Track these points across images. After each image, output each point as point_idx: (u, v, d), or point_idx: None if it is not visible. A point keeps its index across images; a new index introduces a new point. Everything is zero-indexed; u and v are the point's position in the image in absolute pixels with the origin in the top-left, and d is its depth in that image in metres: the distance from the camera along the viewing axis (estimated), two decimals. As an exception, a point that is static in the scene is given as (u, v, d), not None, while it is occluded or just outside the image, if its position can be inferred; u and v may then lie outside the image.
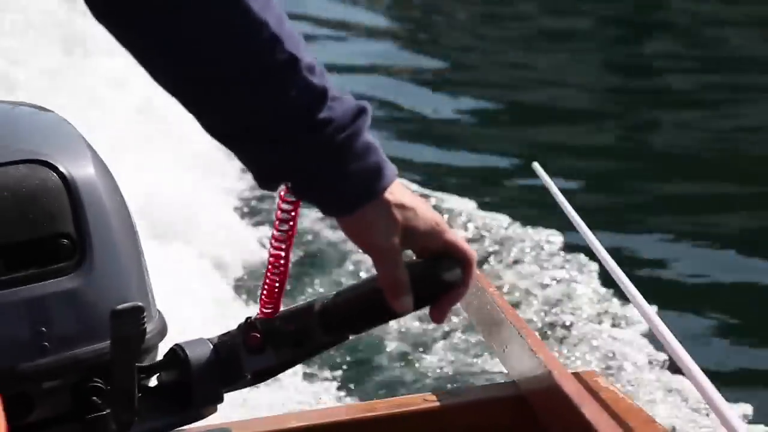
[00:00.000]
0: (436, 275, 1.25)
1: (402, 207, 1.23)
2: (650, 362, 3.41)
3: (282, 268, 1.29)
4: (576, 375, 1.50)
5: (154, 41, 1.16)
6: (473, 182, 5.08)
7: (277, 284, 1.30)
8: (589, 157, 5.48)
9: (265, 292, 1.31)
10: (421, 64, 6.92)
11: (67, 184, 1.31)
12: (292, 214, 1.27)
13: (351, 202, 1.21)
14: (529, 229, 4.38)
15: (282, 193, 1.25)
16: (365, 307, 1.30)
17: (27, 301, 1.27)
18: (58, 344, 1.28)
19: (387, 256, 1.23)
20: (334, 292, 1.34)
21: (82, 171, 1.33)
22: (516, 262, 4.10)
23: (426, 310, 1.31)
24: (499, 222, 4.39)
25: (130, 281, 1.33)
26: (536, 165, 2.05)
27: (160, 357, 1.38)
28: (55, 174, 1.31)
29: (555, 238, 4.23)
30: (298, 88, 1.18)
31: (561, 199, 1.87)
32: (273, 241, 1.28)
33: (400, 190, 1.24)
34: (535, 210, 4.51)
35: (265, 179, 1.22)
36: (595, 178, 5.21)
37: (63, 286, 1.29)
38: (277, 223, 1.27)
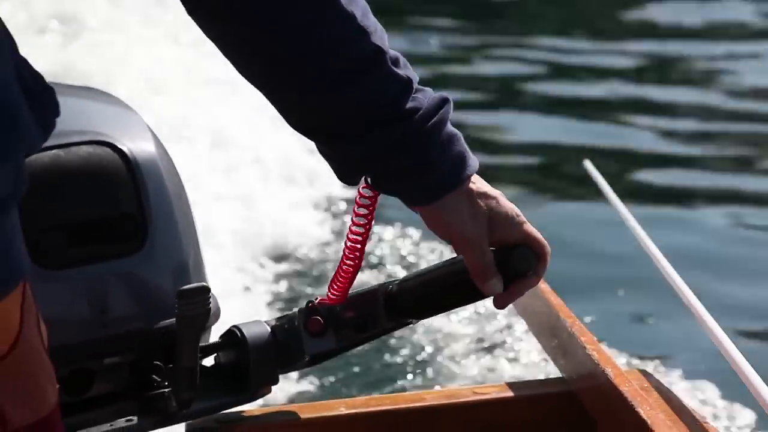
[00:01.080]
0: (512, 262, 1.27)
1: (485, 196, 1.25)
2: (703, 363, 3.39)
3: (356, 259, 1.30)
4: (629, 373, 1.49)
5: (242, 36, 1.17)
6: (522, 179, 5.06)
7: (350, 272, 1.31)
8: (642, 157, 5.43)
9: (337, 279, 1.33)
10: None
11: (130, 165, 1.33)
12: (371, 207, 1.28)
13: (436, 191, 1.23)
14: (580, 227, 4.37)
15: (361, 186, 1.26)
16: (436, 292, 1.32)
17: (90, 279, 1.29)
18: (119, 322, 1.31)
19: (475, 242, 1.25)
20: (398, 279, 1.35)
21: (143, 153, 1.35)
22: (566, 260, 4.09)
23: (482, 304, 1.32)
24: (549, 220, 4.38)
25: (189, 262, 1.35)
26: (588, 163, 2.04)
27: (212, 339, 1.40)
28: (118, 155, 1.33)
29: (606, 236, 4.22)
30: (385, 80, 1.19)
31: (613, 198, 1.87)
32: (350, 232, 1.30)
33: (481, 180, 1.26)
34: (586, 209, 4.50)
35: (348, 173, 1.23)
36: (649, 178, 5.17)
37: (125, 265, 1.31)
38: (354, 214, 1.29)
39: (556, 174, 5.28)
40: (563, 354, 1.57)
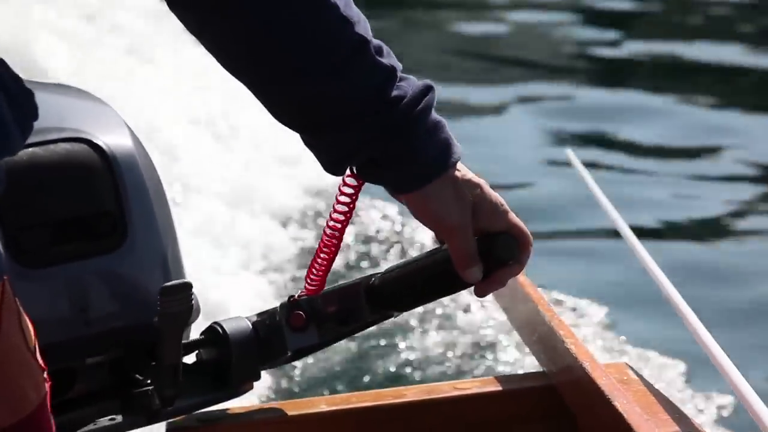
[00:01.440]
0: (495, 251, 1.27)
1: (469, 184, 1.25)
2: (681, 356, 3.41)
3: (333, 248, 1.30)
4: (609, 366, 1.50)
5: (224, 29, 1.17)
6: (504, 170, 5.06)
7: (325, 263, 1.31)
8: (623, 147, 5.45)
9: (313, 269, 1.33)
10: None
11: (108, 161, 1.32)
12: (354, 197, 1.28)
13: (421, 179, 1.23)
14: (561, 218, 4.38)
15: (346, 175, 1.26)
16: (418, 283, 1.32)
17: (70, 277, 1.29)
18: (101, 320, 1.30)
19: (459, 229, 1.25)
20: (381, 271, 1.36)
21: (121, 148, 1.35)
22: (547, 252, 4.10)
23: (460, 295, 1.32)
24: (530, 210, 4.39)
25: (169, 258, 1.35)
26: (570, 152, 2.04)
27: (192, 335, 1.39)
28: (95, 151, 1.33)
29: (587, 227, 4.23)
30: (369, 70, 1.19)
31: (594, 188, 1.87)
32: (329, 220, 1.30)
33: (465, 168, 1.26)
34: (568, 198, 4.51)
35: (334, 163, 1.23)
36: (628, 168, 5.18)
37: (105, 263, 1.31)
38: (336, 203, 1.29)
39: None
40: (543, 348, 1.57)
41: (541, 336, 1.57)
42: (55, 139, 1.32)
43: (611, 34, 6.97)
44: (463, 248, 1.26)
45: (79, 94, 1.45)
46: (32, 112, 0.96)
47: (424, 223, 1.27)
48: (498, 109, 5.92)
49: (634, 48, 6.78)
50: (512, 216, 1.28)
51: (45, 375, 1.01)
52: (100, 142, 1.33)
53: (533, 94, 6.08)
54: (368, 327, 1.39)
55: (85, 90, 1.46)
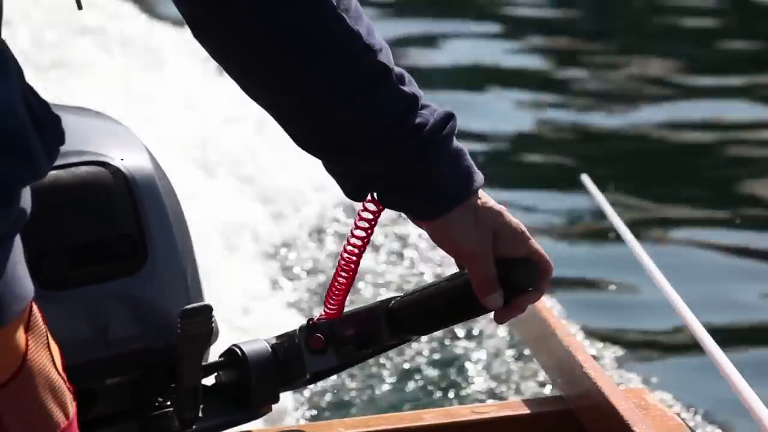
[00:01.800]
0: (515, 277, 1.27)
1: (490, 210, 1.26)
2: (700, 380, 3.39)
3: (351, 272, 1.31)
4: (628, 392, 1.50)
5: (248, 53, 1.18)
6: (519, 194, 5.06)
7: (343, 286, 1.32)
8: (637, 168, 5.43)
9: (332, 293, 1.33)
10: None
11: (127, 184, 1.33)
12: (373, 222, 1.29)
13: (443, 206, 1.24)
14: (576, 243, 4.37)
15: (366, 200, 1.27)
16: (437, 307, 1.33)
17: (90, 299, 1.30)
18: (121, 342, 1.31)
19: (479, 256, 1.25)
20: (400, 295, 1.36)
21: (140, 171, 1.36)
22: (563, 276, 4.09)
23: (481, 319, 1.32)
24: (546, 235, 4.39)
25: (188, 281, 1.36)
26: (585, 177, 2.04)
27: (211, 358, 1.40)
28: (115, 174, 1.34)
29: (603, 252, 4.22)
30: (391, 97, 1.20)
31: (611, 213, 1.87)
32: (347, 244, 1.30)
33: (486, 195, 1.27)
34: (583, 224, 4.50)
35: (356, 190, 1.24)
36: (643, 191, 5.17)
37: (125, 286, 1.31)
38: (354, 228, 1.29)
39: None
40: (561, 372, 1.57)
41: (559, 360, 1.57)
42: (76, 162, 1.33)
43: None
44: (484, 274, 1.26)
45: (99, 116, 1.46)
46: (59, 137, 0.97)
47: (445, 250, 1.28)
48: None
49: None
50: (532, 242, 1.29)
51: (72, 396, 1.01)
52: (119, 165, 1.34)
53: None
54: (387, 350, 1.40)
55: (105, 113, 1.47)
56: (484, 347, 3.57)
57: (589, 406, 1.49)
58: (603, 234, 4.18)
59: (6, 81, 0.91)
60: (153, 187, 1.35)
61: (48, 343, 0.99)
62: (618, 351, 3.67)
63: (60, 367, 1.00)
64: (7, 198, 0.92)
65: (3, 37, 0.92)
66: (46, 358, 0.98)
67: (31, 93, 0.95)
